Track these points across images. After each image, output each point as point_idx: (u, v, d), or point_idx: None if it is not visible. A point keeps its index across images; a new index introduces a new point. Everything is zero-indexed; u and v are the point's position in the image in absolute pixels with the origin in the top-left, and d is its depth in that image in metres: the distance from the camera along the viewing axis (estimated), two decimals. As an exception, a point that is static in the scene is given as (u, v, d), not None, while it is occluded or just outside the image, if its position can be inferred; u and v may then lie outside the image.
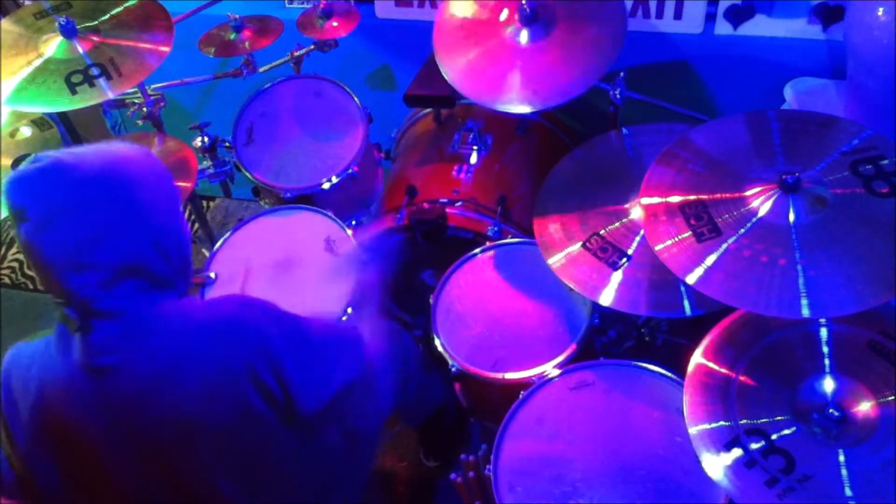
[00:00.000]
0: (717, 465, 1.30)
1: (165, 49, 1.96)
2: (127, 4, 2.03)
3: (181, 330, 1.19)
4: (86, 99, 1.90)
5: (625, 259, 1.64)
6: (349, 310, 1.87)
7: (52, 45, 1.96)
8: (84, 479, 1.25)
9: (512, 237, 1.99)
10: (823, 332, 1.43)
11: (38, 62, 1.94)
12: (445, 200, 2.09)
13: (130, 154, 1.20)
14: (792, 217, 1.38)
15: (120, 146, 1.20)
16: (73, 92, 1.89)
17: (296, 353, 1.24)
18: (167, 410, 1.18)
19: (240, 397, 1.19)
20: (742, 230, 1.39)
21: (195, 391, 1.18)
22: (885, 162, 1.41)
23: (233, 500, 1.26)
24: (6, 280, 2.84)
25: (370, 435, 1.54)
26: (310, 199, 2.16)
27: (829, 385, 1.37)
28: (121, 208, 1.14)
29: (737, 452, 1.31)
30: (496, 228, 2.02)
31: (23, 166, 1.13)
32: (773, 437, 1.32)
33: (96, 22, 2.01)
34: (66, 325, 1.17)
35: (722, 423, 1.35)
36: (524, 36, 1.92)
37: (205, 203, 2.93)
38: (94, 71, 1.92)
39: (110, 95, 1.91)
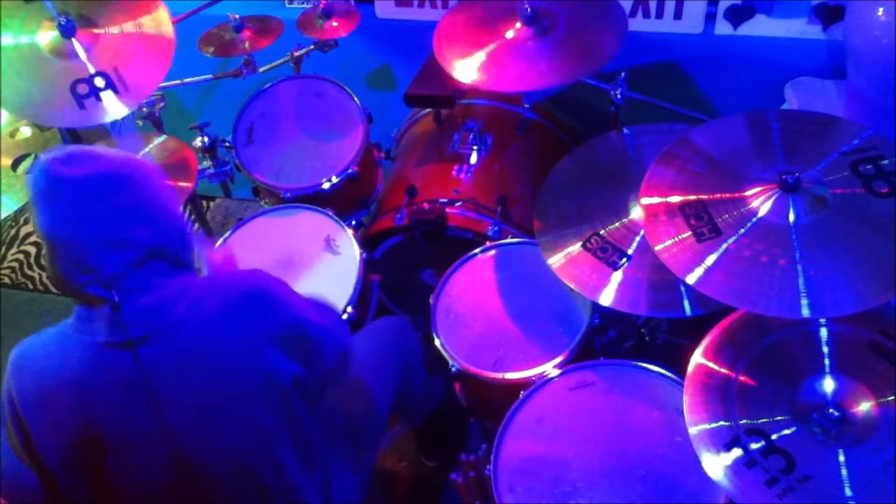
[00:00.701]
0: (717, 465, 1.30)
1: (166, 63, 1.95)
2: (123, 26, 1.97)
3: (205, 299, 1.25)
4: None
5: (625, 259, 1.64)
6: (349, 308, 1.88)
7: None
8: (107, 473, 1.26)
9: (512, 237, 1.99)
10: (823, 332, 1.43)
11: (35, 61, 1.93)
12: (445, 200, 2.09)
13: (132, 155, 1.27)
14: (792, 217, 1.38)
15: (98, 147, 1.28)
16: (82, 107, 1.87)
17: (309, 311, 1.35)
18: (198, 376, 1.22)
19: (263, 362, 1.25)
20: (742, 230, 1.39)
21: (223, 356, 1.23)
22: (885, 162, 1.41)
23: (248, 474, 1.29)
24: (6, 280, 2.84)
25: (371, 426, 1.57)
26: (310, 199, 2.16)
27: (829, 385, 1.37)
28: (151, 193, 1.22)
29: (737, 452, 1.31)
30: (496, 228, 2.02)
31: (49, 154, 1.17)
32: (773, 437, 1.32)
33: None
34: (90, 306, 1.20)
35: (722, 423, 1.35)
36: (525, 34, 1.93)
37: (205, 203, 2.93)
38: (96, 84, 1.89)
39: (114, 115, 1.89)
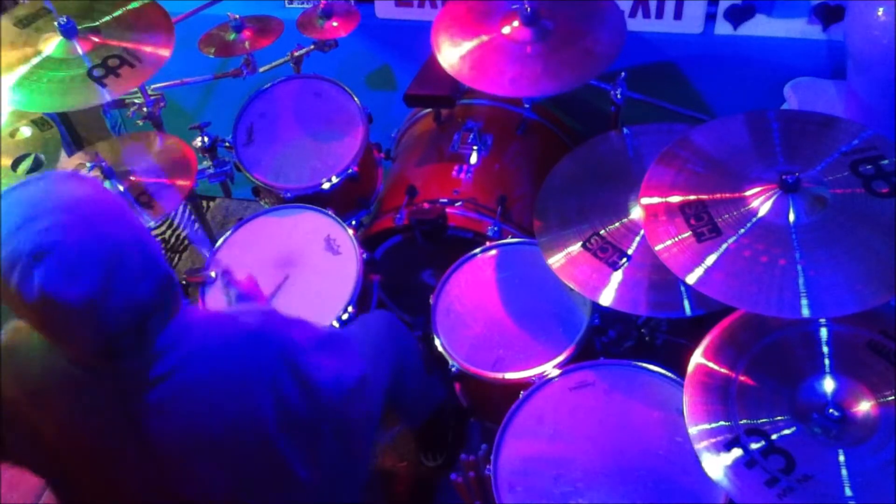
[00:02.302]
0: (717, 465, 1.30)
1: (165, 53, 1.96)
2: (128, 7, 2.03)
3: (205, 343, 1.18)
4: (83, 100, 1.90)
5: (625, 259, 1.64)
6: (349, 308, 1.88)
7: (52, 44, 1.96)
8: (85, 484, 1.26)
9: (512, 237, 1.99)
10: (823, 332, 1.43)
11: (35, 60, 1.93)
12: (445, 200, 2.09)
13: (81, 190, 1.08)
14: (792, 217, 1.38)
15: (58, 190, 1.07)
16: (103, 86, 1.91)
17: (312, 352, 1.26)
18: (185, 421, 1.17)
19: (252, 407, 1.18)
20: (742, 230, 1.39)
21: (221, 400, 1.17)
22: (885, 162, 1.41)
23: None
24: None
25: (363, 434, 1.55)
26: (310, 199, 2.16)
27: (829, 385, 1.37)
28: (136, 245, 1.09)
29: (737, 452, 1.31)
30: (496, 228, 2.02)
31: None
32: (773, 437, 1.32)
33: (97, 23, 2.01)
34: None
35: (722, 423, 1.35)
36: (524, 36, 1.94)
37: (205, 203, 2.93)
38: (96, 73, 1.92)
39: (108, 98, 1.91)
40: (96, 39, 1.97)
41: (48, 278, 0.99)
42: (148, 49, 1.96)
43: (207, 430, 1.19)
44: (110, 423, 1.18)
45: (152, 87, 2.28)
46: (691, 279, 1.36)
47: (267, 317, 1.28)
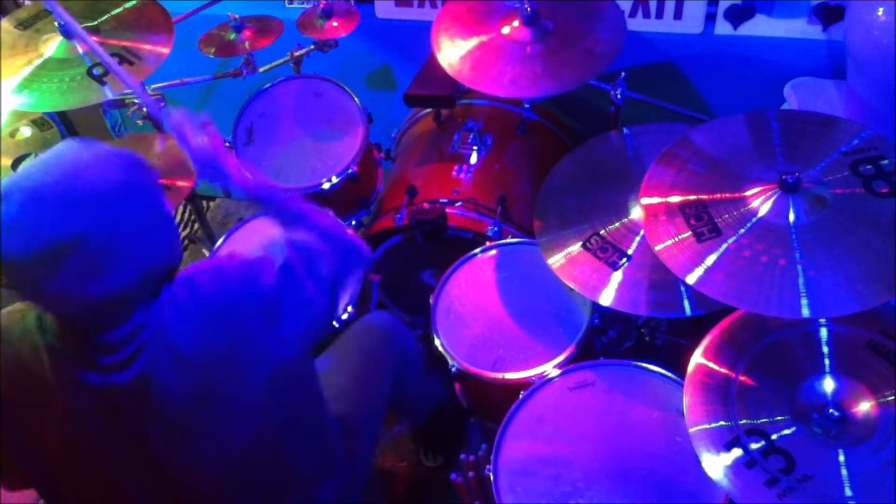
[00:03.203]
0: (717, 465, 1.30)
1: (165, 50, 1.96)
2: (127, 5, 2.03)
3: (186, 308, 1.16)
4: (84, 99, 1.90)
5: (625, 259, 1.64)
6: (349, 308, 1.88)
7: (52, 45, 1.96)
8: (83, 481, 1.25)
9: (512, 237, 1.99)
10: (823, 332, 1.43)
11: (38, 62, 1.94)
12: (445, 200, 2.09)
13: (81, 160, 1.06)
14: (792, 217, 1.38)
15: (68, 154, 1.07)
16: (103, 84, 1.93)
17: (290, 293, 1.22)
18: (185, 391, 1.16)
19: (248, 349, 1.17)
20: (742, 230, 1.39)
21: (206, 362, 1.15)
22: (885, 162, 1.41)
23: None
24: (6, 280, 2.84)
25: (366, 424, 1.55)
26: (310, 199, 2.15)
27: (829, 385, 1.37)
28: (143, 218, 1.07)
29: (737, 452, 1.31)
30: (496, 228, 2.02)
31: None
32: (773, 437, 1.32)
33: (96, 22, 2.01)
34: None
35: (722, 423, 1.35)
36: (524, 36, 1.94)
37: (205, 203, 2.93)
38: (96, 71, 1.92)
39: (108, 96, 1.91)
40: (96, 39, 1.97)
41: (5, 216, 1.00)
42: (147, 47, 1.97)
43: (208, 403, 1.17)
44: (94, 399, 1.16)
45: (152, 87, 2.28)
46: (691, 279, 1.36)
47: (254, 268, 1.22)
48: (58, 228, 1.00)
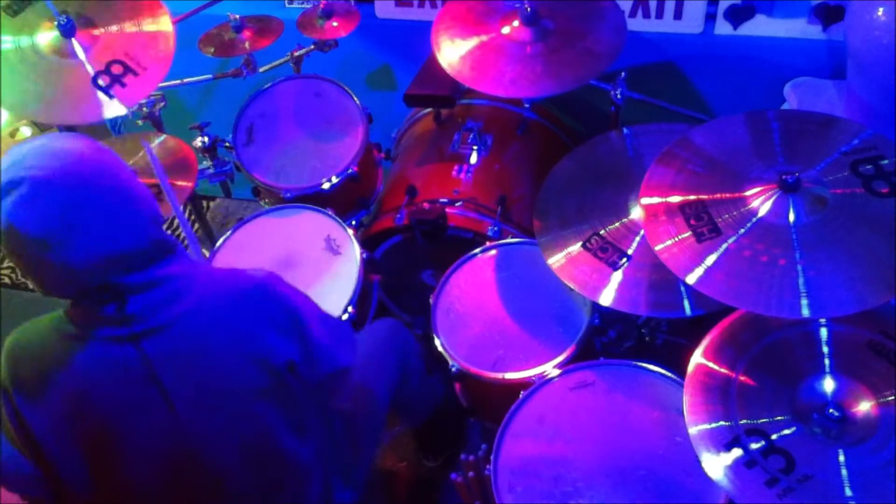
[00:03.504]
0: (717, 465, 1.30)
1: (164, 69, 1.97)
2: (123, 25, 2.00)
3: (209, 291, 1.25)
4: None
5: (625, 259, 1.64)
6: (349, 308, 1.88)
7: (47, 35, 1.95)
8: (109, 464, 1.26)
9: (512, 237, 1.99)
10: (823, 332, 1.43)
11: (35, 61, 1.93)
12: (445, 200, 2.09)
13: (75, 145, 1.18)
14: (792, 217, 1.38)
15: (53, 142, 1.18)
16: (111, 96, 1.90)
17: (313, 317, 1.34)
18: (198, 369, 1.22)
19: (260, 347, 1.25)
20: (742, 230, 1.39)
21: (222, 348, 1.23)
22: (885, 162, 1.41)
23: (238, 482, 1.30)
24: (6, 280, 2.84)
25: (369, 426, 1.57)
26: (310, 199, 2.16)
27: (829, 385, 1.37)
28: (116, 197, 1.17)
29: (737, 452, 1.31)
30: (496, 228, 2.02)
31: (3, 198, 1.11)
32: (773, 437, 1.32)
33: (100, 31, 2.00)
34: (91, 305, 1.19)
35: (722, 423, 1.35)
36: (524, 36, 1.94)
37: (205, 203, 2.93)
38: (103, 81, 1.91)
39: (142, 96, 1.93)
40: (95, 33, 1.96)
41: (12, 207, 1.10)
42: (149, 59, 1.95)
43: (221, 375, 1.23)
44: (128, 395, 1.22)
45: (152, 87, 2.28)
46: (691, 279, 1.36)
47: (272, 275, 1.33)
48: (70, 200, 1.12)
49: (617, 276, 1.62)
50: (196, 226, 2.58)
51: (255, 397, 1.26)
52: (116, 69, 1.92)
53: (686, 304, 1.57)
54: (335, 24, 2.32)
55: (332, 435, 1.47)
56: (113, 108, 1.90)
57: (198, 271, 1.28)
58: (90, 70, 1.90)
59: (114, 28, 1.98)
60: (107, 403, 1.22)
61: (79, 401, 1.22)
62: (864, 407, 1.33)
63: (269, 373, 1.26)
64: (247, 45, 2.28)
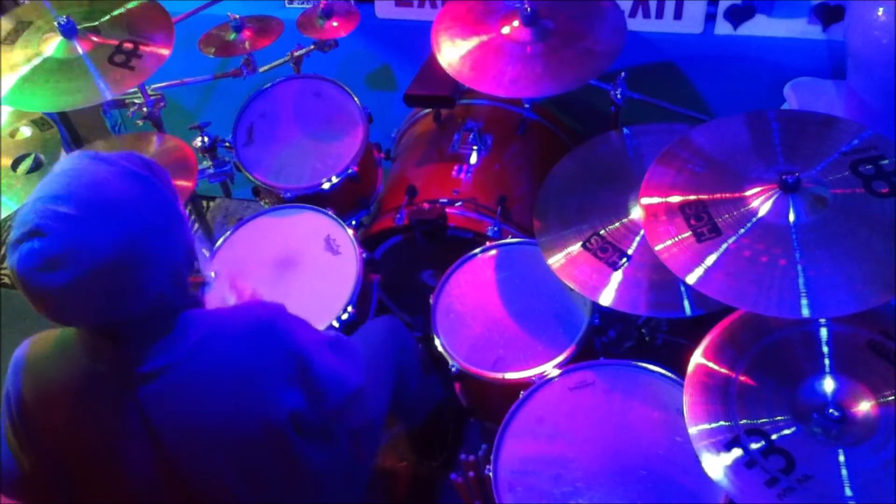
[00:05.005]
0: (717, 465, 1.30)
1: (165, 52, 1.96)
2: (128, 6, 2.03)
3: (213, 337, 1.20)
4: (84, 99, 1.90)
5: (625, 259, 1.64)
6: (349, 308, 1.88)
7: (52, 44, 1.96)
8: (98, 487, 1.26)
9: (512, 237, 1.99)
10: (823, 332, 1.43)
11: (36, 61, 1.94)
12: (445, 200, 2.09)
13: (110, 176, 1.08)
14: (792, 217, 1.38)
15: (92, 167, 1.09)
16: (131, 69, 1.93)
17: (319, 350, 1.29)
18: (194, 418, 1.19)
19: (259, 400, 1.20)
20: (742, 230, 1.39)
21: (220, 397, 1.19)
22: (885, 162, 1.41)
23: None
24: (6, 280, 2.84)
25: (371, 433, 1.55)
26: (310, 199, 2.16)
27: (829, 385, 1.37)
28: (130, 261, 1.07)
29: (737, 452, 1.31)
30: (496, 228, 2.02)
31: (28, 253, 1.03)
32: (773, 437, 1.32)
33: (96, 23, 2.01)
34: (92, 338, 1.18)
35: (722, 423, 1.35)
36: (523, 36, 1.94)
37: (205, 203, 2.93)
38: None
39: (108, 97, 1.91)
40: (96, 39, 1.97)
41: (27, 259, 1.02)
42: (148, 49, 1.96)
43: (215, 425, 1.20)
44: (114, 418, 1.20)
45: (152, 87, 2.28)
46: (691, 279, 1.36)
47: (275, 311, 1.28)
48: (97, 250, 1.03)
49: (617, 276, 1.62)
50: (196, 226, 2.58)
51: (248, 452, 1.23)
52: (128, 45, 1.95)
53: (686, 304, 1.57)
54: (335, 24, 2.32)
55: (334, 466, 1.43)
56: (154, 63, 1.95)
57: (204, 316, 1.23)
58: (107, 54, 1.94)
59: (105, 19, 2.01)
60: (95, 433, 1.21)
61: (72, 421, 1.21)
62: (864, 407, 1.33)
63: (265, 431, 1.21)
64: (247, 45, 2.28)
